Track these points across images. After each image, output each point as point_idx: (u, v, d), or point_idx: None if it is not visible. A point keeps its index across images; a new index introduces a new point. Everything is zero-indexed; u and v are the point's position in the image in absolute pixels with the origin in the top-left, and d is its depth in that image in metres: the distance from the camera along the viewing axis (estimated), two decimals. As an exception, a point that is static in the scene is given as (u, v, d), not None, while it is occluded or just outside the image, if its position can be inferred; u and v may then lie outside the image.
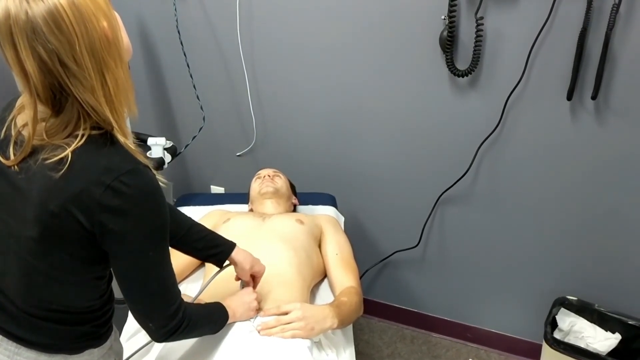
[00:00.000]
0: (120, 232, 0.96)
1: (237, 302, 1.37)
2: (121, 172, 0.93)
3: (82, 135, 0.94)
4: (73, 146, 0.93)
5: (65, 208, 0.93)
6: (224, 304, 1.32)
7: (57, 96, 0.93)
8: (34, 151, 0.95)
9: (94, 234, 0.96)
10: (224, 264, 1.40)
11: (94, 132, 0.96)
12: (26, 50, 0.88)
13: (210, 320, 1.26)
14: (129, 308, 1.08)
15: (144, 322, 1.08)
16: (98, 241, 0.97)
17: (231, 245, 1.39)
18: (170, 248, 1.09)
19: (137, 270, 1.02)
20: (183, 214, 1.37)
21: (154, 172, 1.01)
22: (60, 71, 0.89)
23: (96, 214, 0.93)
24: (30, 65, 0.89)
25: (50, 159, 0.93)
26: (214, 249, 1.37)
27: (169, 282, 1.08)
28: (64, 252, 0.98)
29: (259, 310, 1.42)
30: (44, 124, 0.95)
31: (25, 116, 0.97)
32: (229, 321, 1.31)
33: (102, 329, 1.13)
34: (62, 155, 0.92)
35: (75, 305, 1.06)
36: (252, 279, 1.44)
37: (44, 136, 0.94)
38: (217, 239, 1.39)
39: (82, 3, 0.88)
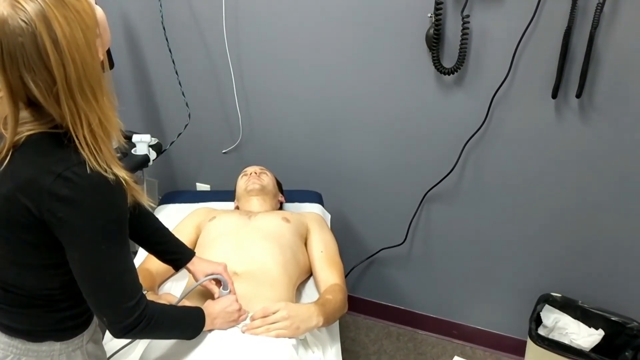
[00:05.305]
0: (70, 222, 0.95)
1: (218, 309, 1.33)
2: (74, 162, 0.94)
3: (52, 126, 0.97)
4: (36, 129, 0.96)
5: (14, 194, 0.94)
6: (205, 310, 1.29)
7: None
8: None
9: (44, 221, 0.95)
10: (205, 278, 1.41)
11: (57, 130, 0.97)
12: None
13: (181, 324, 1.22)
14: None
15: (98, 315, 1.06)
16: (50, 229, 0.97)
17: (190, 254, 1.43)
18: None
19: (88, 262, 1.00)
20: (152, 216, 1.39)
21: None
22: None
23: (45, 202, 0.93)
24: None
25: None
26: (172, 255, 1.42)
27: (125, 277, 1.05)
28: (14, 235, 0.99)
29: (242, 319, 1.38)
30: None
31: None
32: (206, 328, 1.28)
33: (67, 322, 1.10)
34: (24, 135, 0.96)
35: (33, 287, 1.05)
36: (216, 284, 1.43)
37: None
38: (179, 247, 1.43)
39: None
